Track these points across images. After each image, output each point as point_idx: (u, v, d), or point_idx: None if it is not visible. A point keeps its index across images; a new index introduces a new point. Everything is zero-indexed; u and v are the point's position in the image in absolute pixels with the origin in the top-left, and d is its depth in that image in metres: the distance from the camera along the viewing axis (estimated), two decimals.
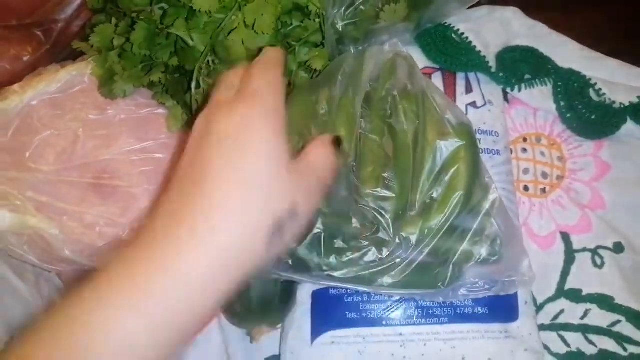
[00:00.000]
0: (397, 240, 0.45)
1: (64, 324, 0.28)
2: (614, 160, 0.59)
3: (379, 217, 0.45)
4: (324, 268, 0.45)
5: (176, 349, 0.30)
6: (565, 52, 0.62)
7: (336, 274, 0.45)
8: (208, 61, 0.50)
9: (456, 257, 0.45)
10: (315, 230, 0.44)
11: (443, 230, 0.45)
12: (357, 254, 0.45)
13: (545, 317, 0.54)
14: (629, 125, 0.58)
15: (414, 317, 0.49)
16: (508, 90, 0.60)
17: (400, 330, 0.49)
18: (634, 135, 0.59)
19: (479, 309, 0.49)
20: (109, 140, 0.54)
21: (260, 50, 0.39)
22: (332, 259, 0.45)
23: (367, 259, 0.45)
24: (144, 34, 0.51)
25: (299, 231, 0.33)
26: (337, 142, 0.37)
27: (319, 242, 0.45)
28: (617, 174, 0.58)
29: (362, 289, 0.46)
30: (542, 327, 0.53)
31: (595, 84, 0.60)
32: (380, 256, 0.45)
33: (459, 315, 0.49)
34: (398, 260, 0.45)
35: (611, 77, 0.60)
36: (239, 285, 0.31)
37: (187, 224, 0.30)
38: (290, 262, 0.45)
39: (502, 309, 0.50)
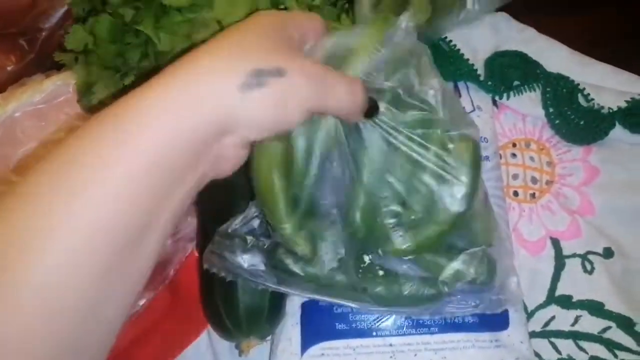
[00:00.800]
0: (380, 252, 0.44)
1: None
2: (602, 165, 0.59)
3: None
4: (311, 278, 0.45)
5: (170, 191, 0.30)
6: (554, 56, 0.62)
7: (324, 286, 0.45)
8: None
9: (446, 273, 0.44)
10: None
11: (435, 246, 0.44)
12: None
13: (536, 324, 0.54)
14: (618, 130, 0.58)
15: (404, 327, 0.49)
16: (496, 98, 0.59)
17: (391, 340, 0.49)
18: (622, 140, 0.59)
19: (469, 318, 0.49)
20: None
21: None
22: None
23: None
24: (108, 26, 0.50)
25: (281, 97, 0.31)
26: (371, 103, 0.37)
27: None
28: (606, 178, 0.58)
29: (349, 304, 0.46)
30: (533, 334, 0.53)
31: (584, 89, 0.59)
32: (363, 264, 0.44)
33: (449, 325, 0.49)
34: (382, 272, 0.44)
35: (600, 82, 0.60)
36: (216, 136, 0.31)
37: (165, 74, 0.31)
38: (277, 273, 0.45)
39: (492, 317, 0.49)
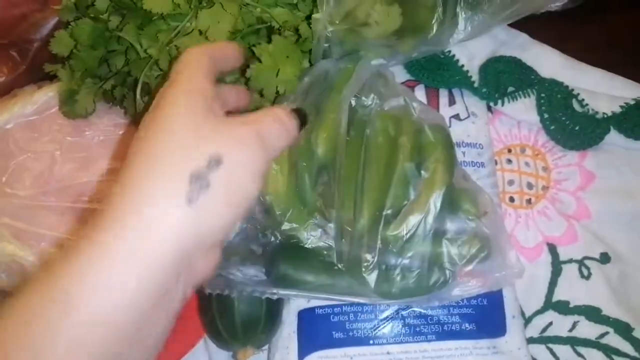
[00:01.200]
0: (379, 246, 0.45)
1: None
2: (598, 169, 0.59)
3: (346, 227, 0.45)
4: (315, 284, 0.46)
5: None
6: (549, 62, 0.62)
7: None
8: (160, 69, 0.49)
9: (446, 258, 0.45)
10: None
11: (426, 232, 0.45)
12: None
13: (533, 330, 0.54)
14: (613, 135, 0.58)
15: (402, 335, 0.49)
16: (491, 104, 0.59)
17: (388, 348, 0.49)
18: (617, 144, 0.59)
19: (467, 325, 0.49)
20: (87, 162, 0.53)
21: None
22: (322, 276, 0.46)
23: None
24: (89, 31, 0.49)
25: (229, 184, 0.31)
26: (299, 114, 0.36)
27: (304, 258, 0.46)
28: (601, 183, 0.58)
29: (359, 301, 0.46)
30: (530, 340, 0.53)
31: (578, 94, 0.59)
32: (366, 263, 0.44)
33: (446, 332, 0.49)
34: (384, 266, 0.45)
35: (594, 87, 0.60)
36: (182, 265, 0.29)
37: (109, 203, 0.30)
38: (274, 278, 0.46)
39: (489, 324, 0.50)
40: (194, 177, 0.29)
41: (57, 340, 0.27)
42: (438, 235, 0.45)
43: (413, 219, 0.45)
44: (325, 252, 0.45)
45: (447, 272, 0.46)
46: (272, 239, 0.46)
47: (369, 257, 0.45)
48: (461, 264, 0.45)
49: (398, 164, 0.47)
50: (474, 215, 0.47)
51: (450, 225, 0.46)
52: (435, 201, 0.45)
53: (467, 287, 0.46)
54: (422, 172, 0.47)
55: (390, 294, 0.45)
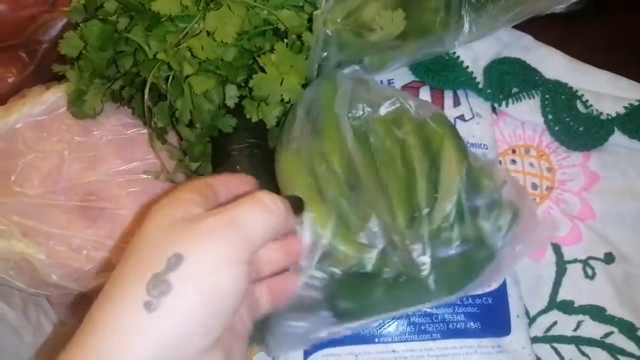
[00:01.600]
0: (427, 245, 0.44)
1: None
2: (602, 170, 0.59)
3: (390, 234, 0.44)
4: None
5: None
6: (553, 63, 0.62)
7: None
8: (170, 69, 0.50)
9: (487, 234, 0.45)
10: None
11: (463, 217, 0.45)
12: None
13: (538, 330, 0.54)
14: (617, 135, 0.58)
15: (407, 334, 0.49)
16: (495, 105, 0.60)
17: (393, 347, 0.49)
18: (621, 145, 0.59)
19: (472, 324, 0.49)
20: (95, 162, 0.54)
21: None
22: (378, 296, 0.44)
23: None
24: (98, 32, 0.50)
25: (195, 280, 0.28)
26: (291, 201, 0.35)
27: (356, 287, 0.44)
28: (606, 183, 0.58)
29: (423, 307, 0.47)
30: (535, 340, 0.53)
31: (582, 95, 0.60)
32: (423, 266, 0.44)
33: (451, 331, 0.49)
34: (437, 262, 0.44)
35: (598, 88, 0.61)
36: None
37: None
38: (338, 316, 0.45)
39: (494, 323, 0.50)
40: (152, 283, 0.28)
41: None
42: (473, 216, 0.46)
43: (447, 208, 0.45)
44: (384, 269, 0.43)
45: (491, 246, 0.46)
46: (330, 280, 0.43)
47: (424, 259, 0.44)
48: (501, 234, 0.46)
49: (414, 162, 0.47)
50: (496, 188, 0.47)
51: (480, 203, 0.46)
52: (460, 186, 0.45)
53: (514, 255, 0.47)
54: (440, 163, 0.47)
55: (451, 288, 0.45)
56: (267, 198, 0.33)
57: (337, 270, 0.42)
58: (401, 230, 0.44)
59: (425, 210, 0.45)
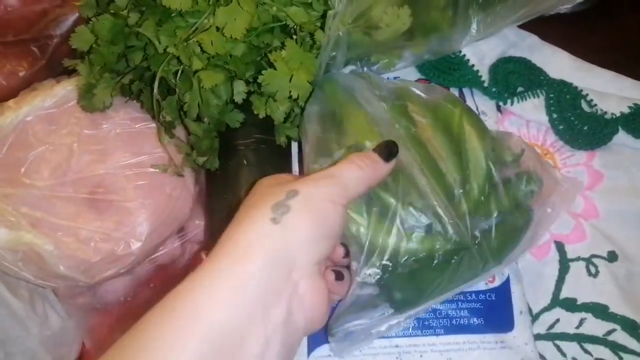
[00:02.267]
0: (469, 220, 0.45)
1: None
2: (606, 169, 0.59)
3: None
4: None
5: None
6: (558, 63, 0.63)
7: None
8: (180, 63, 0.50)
9: (520, 200, 0.47)
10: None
11: (495, 188, 0.46)
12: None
13: (541, 327, 0.54)
14: (621, 135, 0.59)
15: (410, 329, 0.50)
16: (500, 103, 0.60)
17: (397, 342, 0.49)
18: (625, 145, 0.59)
19: (475, 319, 0.50)
20: (103, 155, 0.54)
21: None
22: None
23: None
24: (109, 26, 0.51)
25: (307, 206, 0.36)
26: (385, 150, 0.42)
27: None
28: (609, 182, 0.59)
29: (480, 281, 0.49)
30: (538, 337, 0.53)
31: (587, 95, 0.60)
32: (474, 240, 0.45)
33: (454, 327, 0.49)
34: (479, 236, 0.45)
35: (603, 88, 0.61)
36: (278, 279, 0.35)
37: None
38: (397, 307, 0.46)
39: (497, 319, 0.50)
40: (276, 206, 0.36)
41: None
42: (505, 186, 0.47)
43: (480, 183, 0.46)
44: (435, 248, 0.44)
45: (527, 212, 0.48)
46: (383, 273, 0.43)
47: (475, 233, 0.45)
48: (533, 199, 0.48)
49: (439, 143, 0.48)
50: (517, 157, 0.49)
51: (508, 172, 0.48)
52: (488, 160, 0.47)
53: (547, 217, 0.49)
54: (463, 141, 0.48)
55: (498, 256, 0.46)
56: (358, 159, 0.40)
57: (387, 263, 0.43)
58: (446, 205, 0.44)
59: (460, 190, 0.45)
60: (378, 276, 0.42)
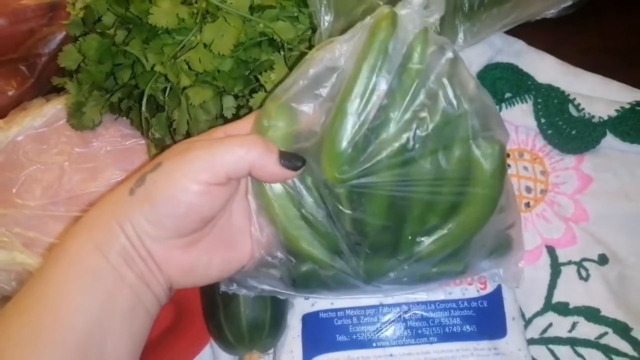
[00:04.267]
0: None
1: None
2: (595, 173, 0.60)
3: None
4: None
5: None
6: (545, 67, 0.63)
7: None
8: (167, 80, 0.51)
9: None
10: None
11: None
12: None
13: (534, 331, 0.55)
14: (609, 138, 0.59)
15: (404, 338, 0.50)
16: None
17: (391, 351, 0.49)
18: (613, 148, 0.60)
19: (467, 327, 0.50)
20: (95, 173, 0.55)
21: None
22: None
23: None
24: (96, 46, 0.51)
25: (161, 180, 0.37)
26: (291, 158, 0.38)
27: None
28: (598, 185, 0.59)
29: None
30: (531, 341, 0.54)
31: (574, 99, 0.61)
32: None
33: (447, 334, 0.50)
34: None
35: (590, 92, 0.61)
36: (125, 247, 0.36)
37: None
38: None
39: (490, 326, 0.50)
40: (141, 177, 0.37)
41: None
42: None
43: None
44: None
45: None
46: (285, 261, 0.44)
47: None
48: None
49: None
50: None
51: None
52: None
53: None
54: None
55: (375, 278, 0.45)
56: (236, 145, 0.37)
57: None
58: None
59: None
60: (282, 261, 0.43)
